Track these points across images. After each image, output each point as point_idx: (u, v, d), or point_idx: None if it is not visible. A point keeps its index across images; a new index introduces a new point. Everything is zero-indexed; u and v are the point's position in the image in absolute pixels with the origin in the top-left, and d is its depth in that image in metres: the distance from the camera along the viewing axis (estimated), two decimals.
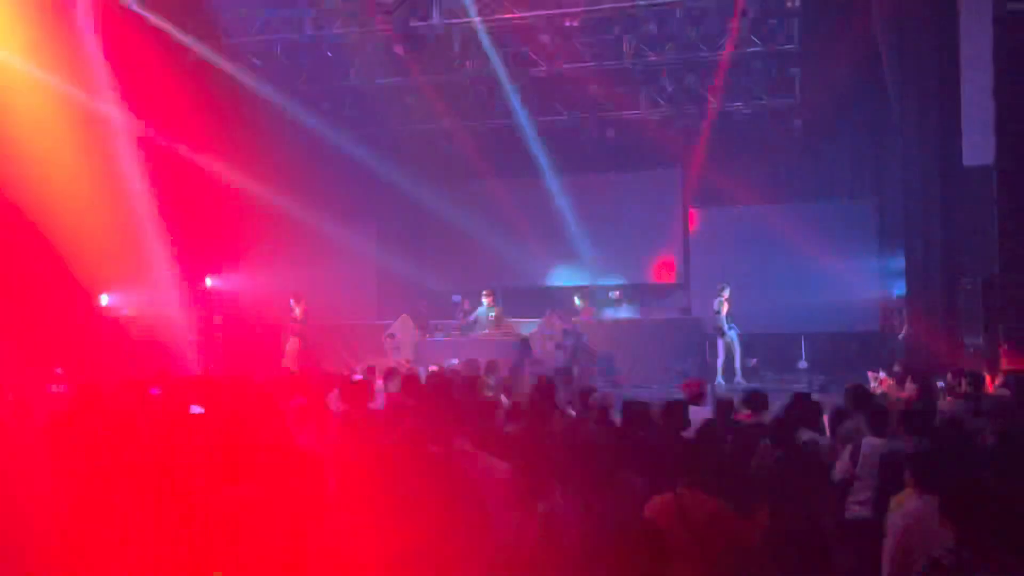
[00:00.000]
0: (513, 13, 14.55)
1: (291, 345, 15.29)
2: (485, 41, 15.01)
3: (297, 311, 15.41)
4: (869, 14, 13.22)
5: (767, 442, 5.90)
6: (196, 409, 6.57)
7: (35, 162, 12.57)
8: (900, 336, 14.59)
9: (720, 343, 15.00)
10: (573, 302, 17.52)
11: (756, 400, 7.08)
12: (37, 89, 12.75)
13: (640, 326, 16.80)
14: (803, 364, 16.29)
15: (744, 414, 6.97)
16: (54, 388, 12.70)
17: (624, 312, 17.35)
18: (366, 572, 4.15)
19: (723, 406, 7.06)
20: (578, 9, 14.60)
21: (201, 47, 15.42)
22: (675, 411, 6.37)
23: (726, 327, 14.89)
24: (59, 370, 13.10)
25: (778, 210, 17.20)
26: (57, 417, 6.22)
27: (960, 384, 8.08)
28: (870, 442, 5.78)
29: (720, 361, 14.94)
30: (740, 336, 14.87)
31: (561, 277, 18.35)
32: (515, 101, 16.56)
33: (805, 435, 6.37)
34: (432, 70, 16.28)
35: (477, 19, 14.62)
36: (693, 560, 4.26)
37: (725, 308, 14.94)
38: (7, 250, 12.96)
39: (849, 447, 5.90)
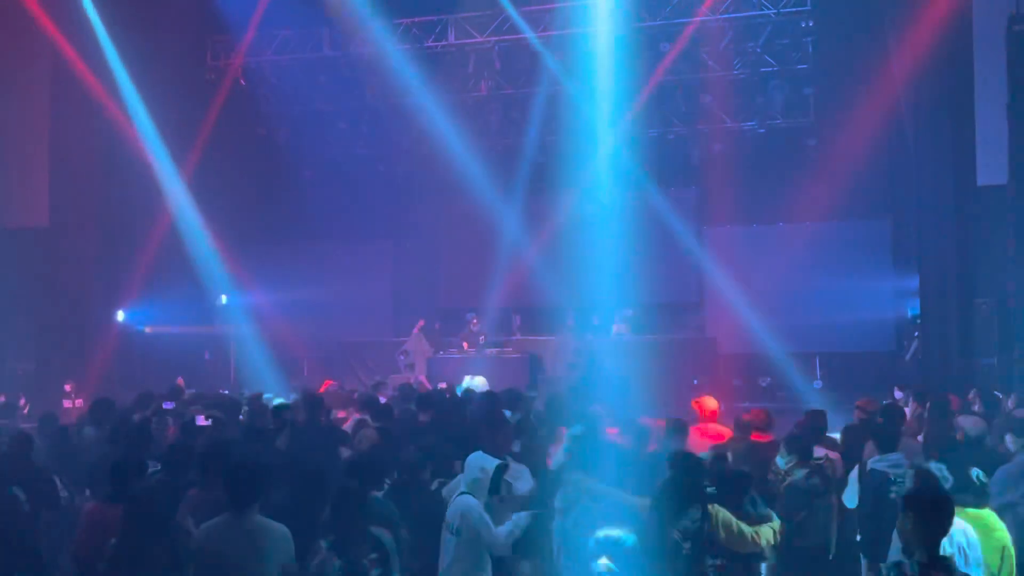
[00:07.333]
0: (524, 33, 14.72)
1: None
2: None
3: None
4: (883, 34, 13.25)
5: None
6: (202, 421, 6.67)
7: None
8: (907, 357, 14.46)
9: None
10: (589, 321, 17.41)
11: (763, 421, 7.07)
12: None
13: (655, 346, 16.72)
14: (818, 384, 16.16)
15: (754, 434, 6.95)
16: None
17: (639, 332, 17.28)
18: None
19: (739, 426, 7.07)
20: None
21: None
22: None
23: None
24: (68, 387, 13.31)
25: (792, 230, 17.14)
26: None
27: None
28: None
29: None
30: None
31: (576, 296, 18.30)
32: (530, 119, 16.66)
33: (819, 452, 6.42)
34: (447, 90, 16.39)
35: (492, 39, 14.76)
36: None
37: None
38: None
39: None
